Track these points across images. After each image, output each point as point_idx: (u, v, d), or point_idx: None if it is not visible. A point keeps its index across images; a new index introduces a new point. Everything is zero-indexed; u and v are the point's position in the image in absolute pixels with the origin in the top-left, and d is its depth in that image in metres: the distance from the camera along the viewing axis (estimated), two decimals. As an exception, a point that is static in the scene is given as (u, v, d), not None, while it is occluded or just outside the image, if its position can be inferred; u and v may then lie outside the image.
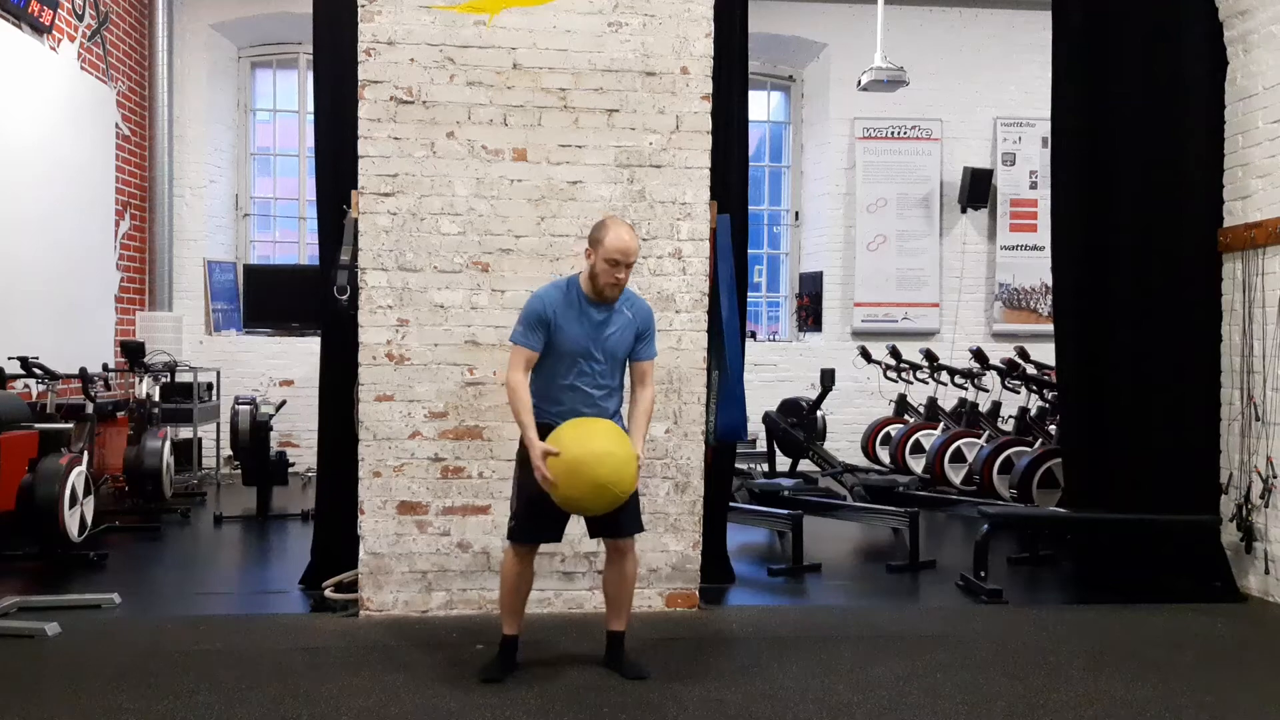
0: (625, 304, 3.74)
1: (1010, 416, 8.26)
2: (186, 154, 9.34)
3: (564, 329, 3.64)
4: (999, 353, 8.55)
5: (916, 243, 10.12)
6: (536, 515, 3.69)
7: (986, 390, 8.50)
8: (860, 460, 9.00)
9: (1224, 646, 4.36)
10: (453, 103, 4.60)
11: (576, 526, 4.02)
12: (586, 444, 3.48)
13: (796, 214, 10.70)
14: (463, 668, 3.82)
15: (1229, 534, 5.28)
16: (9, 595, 4.62)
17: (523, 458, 3.69)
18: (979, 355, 8.35)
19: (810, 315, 10.28)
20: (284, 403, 7.85)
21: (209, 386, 8.43)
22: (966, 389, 8.56)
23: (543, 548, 3.98)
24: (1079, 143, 5.70)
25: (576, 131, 4.67)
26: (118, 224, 8.49)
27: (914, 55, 8.92)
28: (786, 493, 6.70)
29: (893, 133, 10.10)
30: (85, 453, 5.98)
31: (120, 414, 7.33)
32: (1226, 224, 5.38)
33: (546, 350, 3.67)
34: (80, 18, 7.81)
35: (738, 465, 6.98)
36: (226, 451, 8.18)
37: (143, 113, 8.97)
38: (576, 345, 3.66)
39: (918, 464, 8.38)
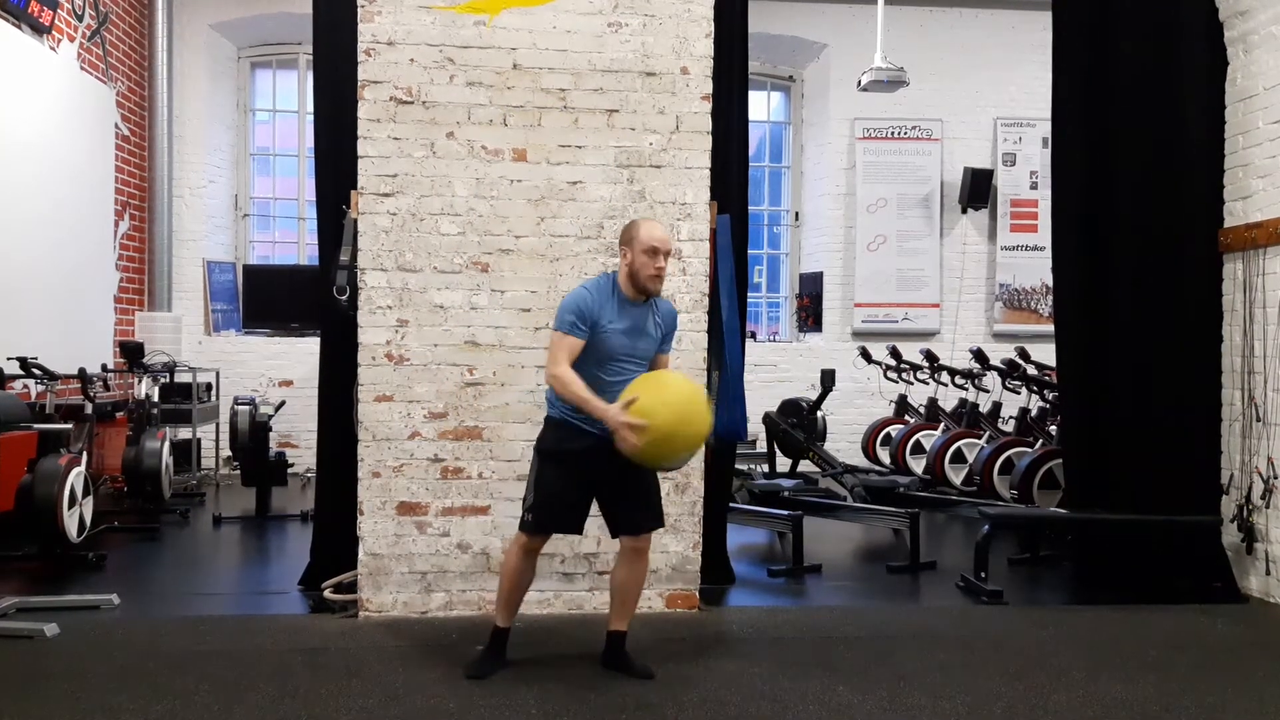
0: (654, 309, 3.77)
1: (1011, 417, 8.25)
2: (186, 154, 9.34)
3: (606, 328, 3.64)
4: (999, 353, 8.54)
5: (917, 243, 10.12)
6: (557, 505, 3.72)
7: (987, 391, 8.49)
8: (860, 461, 8.99)
9: (1224, 647, 4.36)
10: (453, 103, 4.60)
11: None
12: (670, 406, 3.45)
13: (796, 214, 10.69)
14: (462, 668, 3.81)
15: (1230, 535, 5.28)
16: (8, 596, 4.61)
17: (543, 449, 3.76)
18: (979, 356, 8.34)
19: (810, 315, 10.27)
20: (283, 403, 7.84)
21: (208, 387, 8.42)
22: (967, 389, 8.55)
23: (543, 548, 3.96)
24: (1079, 143, 5.69)
25: (576, 132, 4.67)
26: (117, 224, 8.48)
27: (914, 55, 8.91)
28: (786, 493, 6.69)
29: (893, 133, 10.10)
30: (84, 453, 5.97)
31: (119, 414, 7.32)
32: (1227, 224, 5.38)
33: (584, 351, 3.63)
34: (80, 18, 7.80)
35: (738, 465, 6.97)
36: (226, 452, 8.18)
37: (142, 113, 8.97)
38: (617, 347, 3.66)
39: (918, 465, 8.38)
